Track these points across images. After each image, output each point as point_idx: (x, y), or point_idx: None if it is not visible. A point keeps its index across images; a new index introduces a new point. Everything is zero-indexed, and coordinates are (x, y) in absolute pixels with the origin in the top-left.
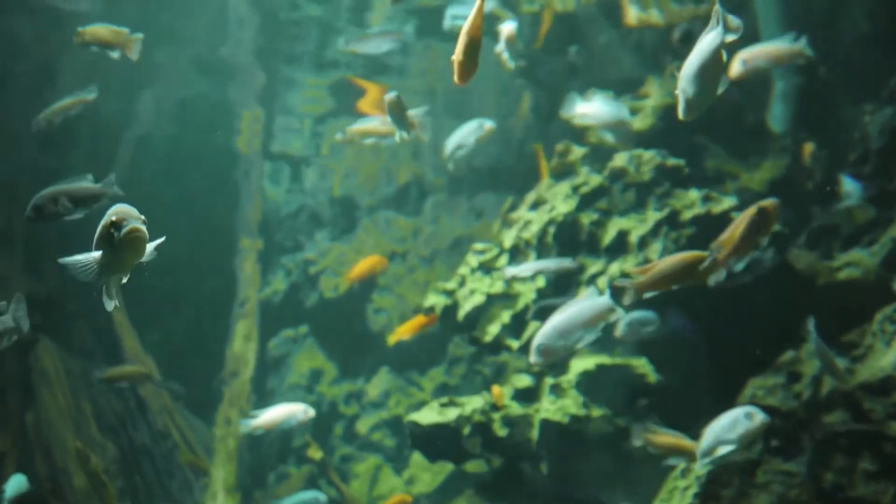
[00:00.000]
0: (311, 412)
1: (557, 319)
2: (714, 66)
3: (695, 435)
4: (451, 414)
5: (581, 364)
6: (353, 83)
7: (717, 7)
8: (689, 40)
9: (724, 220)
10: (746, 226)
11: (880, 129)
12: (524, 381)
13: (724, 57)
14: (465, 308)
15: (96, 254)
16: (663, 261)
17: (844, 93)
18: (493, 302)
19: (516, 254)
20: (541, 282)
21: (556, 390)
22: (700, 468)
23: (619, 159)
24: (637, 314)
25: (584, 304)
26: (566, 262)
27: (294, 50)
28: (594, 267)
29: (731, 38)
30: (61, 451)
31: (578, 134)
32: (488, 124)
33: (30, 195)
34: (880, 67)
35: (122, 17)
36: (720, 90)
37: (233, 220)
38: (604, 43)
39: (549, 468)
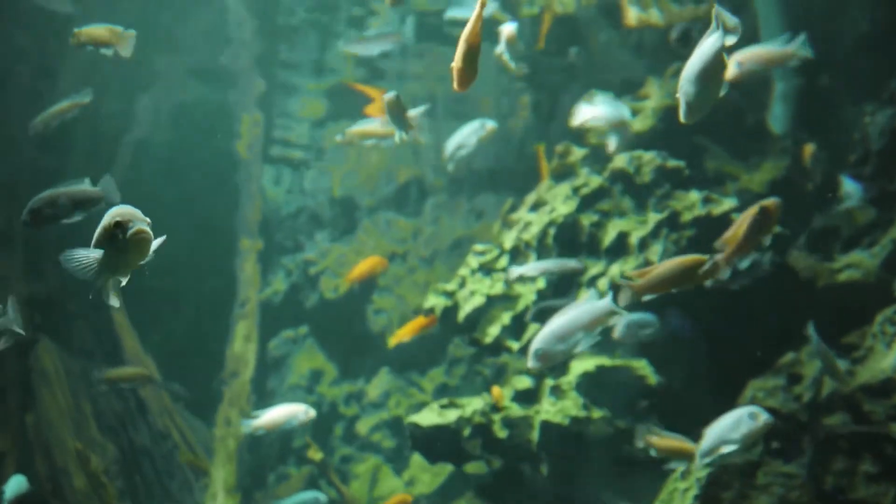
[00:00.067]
0: (313, 413)
1: (555, 324)
2: (715, 69)
3: (696, 437)
4: (452, 415)
5: (581, 365)
6: (352, 88)
7: (715, 9)
8: (687, 40)
9: (724, 221)
10: (749, 225)
11: (880, 130)
12: (524, 382)
13: (726, 60)
14: (466, 309)
15: (97, 253)
16: (662, 264)
17: (844, 94)
18: (493, 303)
19: (516, 255)
20: (541, 283)
21: (557, 392)
22: (700, 467)
23: (620, 161)
24: (636, 316)
25: (583, 307)
26: (572, 263)
27: (293, 54)
28: (594, 268)
29: (731, 40)
30: (61, 452)
31: (578, 135)
32: (490, 124)
33: (30, 195)
34: (880, 68)
35: (121, 21)
36: (721, 93)
37: (233, 221)
38: (604, 44)
39: (549, 470)
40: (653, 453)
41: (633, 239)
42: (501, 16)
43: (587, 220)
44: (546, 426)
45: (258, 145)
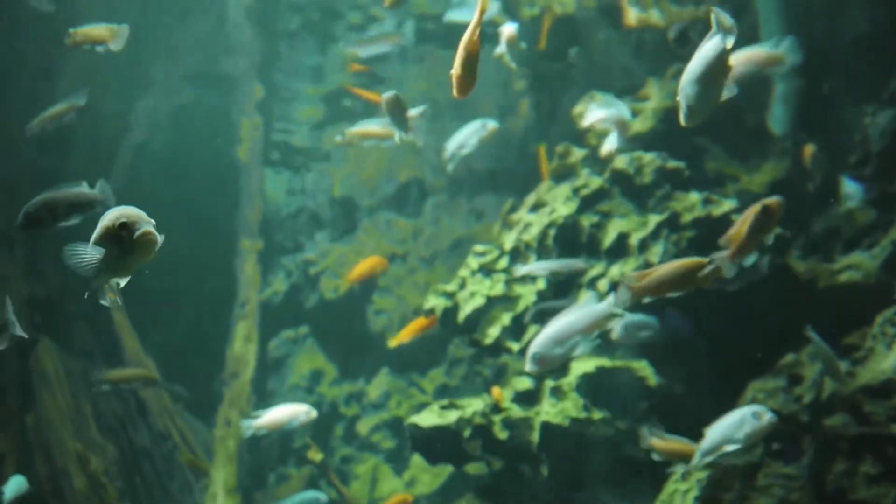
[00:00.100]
0: (314, 413)
1: (554, 327)
2: (717, 72)
3: (697, 438)
4: (452, 416)
5: (581, 366)
6: (351, 92)
7: (713, 10)
8: (685, 40)
9: (724, 222)
10: (752, 223)
11: (881, 131)
12: (524, 383)
13: (729, 63)
14: (466, 310)
15: (101, 251)
16: (661, 267)
17: (845, 94)
18: (493, 304)
19: (517, 256)
20: (541, 284)
21: (557, 393)
22: (701, 466)
23: (620, 162)
24: (635, 318)
25: (582, 311)
26: (578, 263)
27: (293, 57)
28: (594, 269)
29: (730, 42)
30: (61, 453)
31: (579, 136)
32: (491, 124)
33: (30, 196)
34: (881, 68)
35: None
36: (724, 96)
37: (233, 221)
38: (603, 44)
39: (549, 471)
40: (655, 457)
41: (634, 240)
42: (501, 19)
43: (587, 220)
44: (546, 427)
45: (258, 148)
